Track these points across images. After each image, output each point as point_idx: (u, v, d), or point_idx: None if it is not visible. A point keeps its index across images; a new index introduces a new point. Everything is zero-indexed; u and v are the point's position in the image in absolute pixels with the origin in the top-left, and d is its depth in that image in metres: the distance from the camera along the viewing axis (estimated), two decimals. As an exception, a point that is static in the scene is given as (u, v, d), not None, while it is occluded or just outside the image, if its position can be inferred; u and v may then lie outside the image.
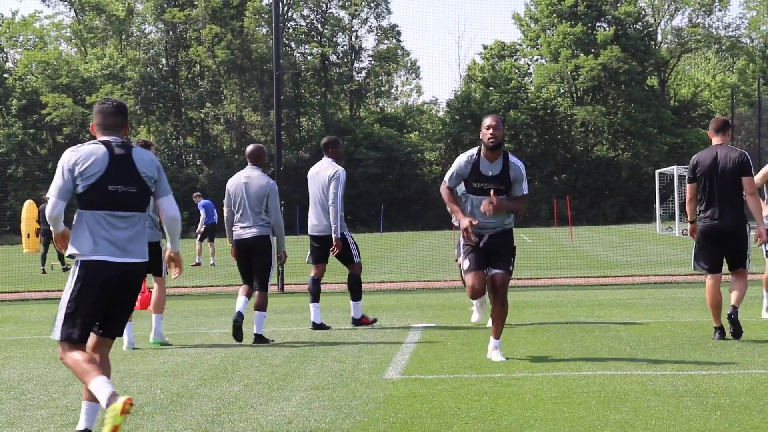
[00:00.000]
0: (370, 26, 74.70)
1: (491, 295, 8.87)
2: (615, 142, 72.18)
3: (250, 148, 10.92)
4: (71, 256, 5.88)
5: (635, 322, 11.51)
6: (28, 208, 40.18)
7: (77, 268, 5.81)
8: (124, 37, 74.94)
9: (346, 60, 74.60)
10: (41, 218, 26.37)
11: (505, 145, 9.18)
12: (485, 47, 75.45)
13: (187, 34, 71.68)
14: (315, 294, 11.55)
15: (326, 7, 74.30)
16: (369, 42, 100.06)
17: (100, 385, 5.50)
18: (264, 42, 69.34)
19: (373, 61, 74.71)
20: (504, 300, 8.73)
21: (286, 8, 71.24)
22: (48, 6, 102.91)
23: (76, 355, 5.70)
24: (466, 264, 8.69)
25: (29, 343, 10.94)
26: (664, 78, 75.25)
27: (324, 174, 11.43)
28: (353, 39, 74.41)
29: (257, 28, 70.97)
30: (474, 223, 8.49)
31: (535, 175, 66.71)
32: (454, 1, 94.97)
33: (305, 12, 74.61)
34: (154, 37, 75.52)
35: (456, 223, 10.19)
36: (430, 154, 71.49)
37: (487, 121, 8.62)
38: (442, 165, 67.05)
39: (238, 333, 10.35)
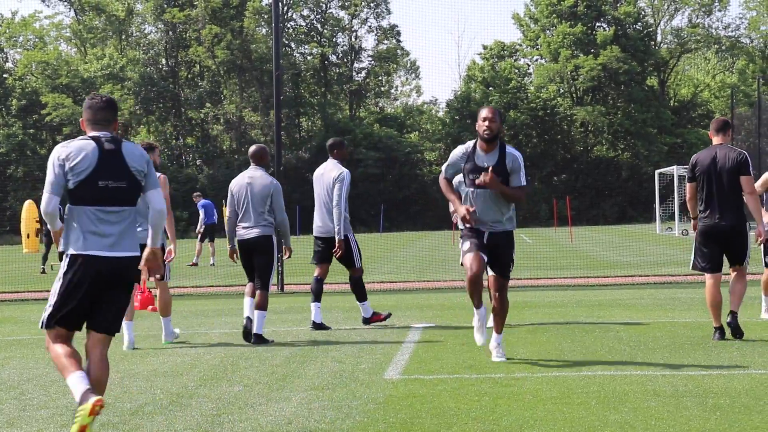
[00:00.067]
0: (369, 26, 74.80)
1: (490, 293, 8.85)
2: (615, 142, 72.21)
3: (253, 148, 10.96)
4: (63, 251, 5.92)
5: (635, 323, 11.51)
6: (28, 209, 40.22)
7: (67, 262, 5.87)
8: (123, 37, 74.95)
9: (345, 60, 74.62)
10: (42, 218, 26.39)
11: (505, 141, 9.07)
12: (485, 47, 75.50)
13: (187, 35, 71.70)
14: (317, 293, 11.56)
15: (326, 7, 74.32)
16: (369, 42, 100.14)
17: (75, 382, 5.63)
18: (264, 42, 69.35)
19: (372, 62, 74.74)
20: (504, 299, 8.71)
21: (285, 8, 71.25)
22: (48, 6, 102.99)
23: (59, 349, 5.81)
24: (466, 245, 8.46)
25: (29, 344, 10.94)
26: (663, 78, 75.27)
27: (329, 175, 11.46)
28: (353, 39, 74.44)
29: (257, 29, 70.99)
30: (471, 209, 8.36)
31: (535, 176, 66.73)
32: (454, 1, 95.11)
33: (305, 12, 74.67)
34: (154, 38, 75.55)
35: (455, 220, 10.16)
36: (429, 155, 71.51)
37: (484, 112, 8.50)
38: (442, 165, 67.10)
39: (248, 336, 10.43)
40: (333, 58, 73.89)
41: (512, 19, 75.97)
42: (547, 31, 73.49)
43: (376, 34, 74.52)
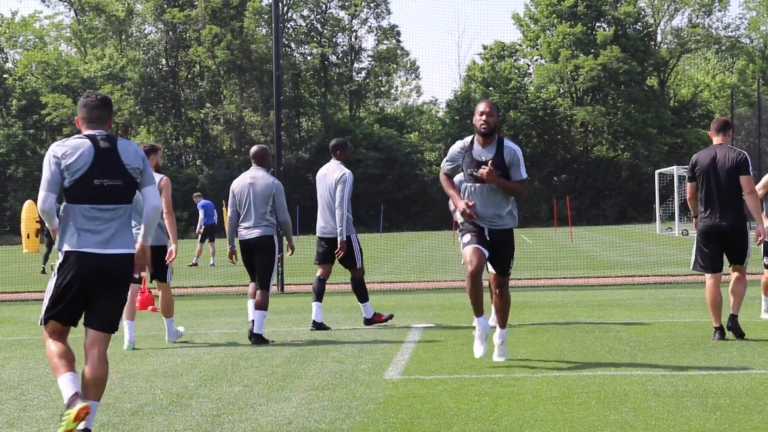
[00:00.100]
0: (369, 26, 74.81)
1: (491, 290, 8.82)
2: (615, 142, 72.22)
3: (254, 149, 11.00)
4: (59, 249, 5.95)
5: (635, 323, 11.51)
6: (28, 209, 40.24)
7: (62, 259, 5.90)
8: (123, 37, 74.95)
9: (345, 60, 74.63)
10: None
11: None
12: (485, 47, 75.51)
13: (187, 35, 71.71)
14: (319, 293, 11.57)
15: (326, 7, 74.33)
16: (369, 42, 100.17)
17: (65, 384, 5.74)
18: (264, 42, 69.36)
19: (372, 62, 74.75)
20: (504, 294, 8.66)
21: (285, 8, 71.26)
22: (48, 6, 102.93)
23: (52, 347, 5.89)
24: (466, 237, 8.36)
25: (29, 344, 10.94)
26: (663, 78, 75.28)
27: (331, 176, 11.49)
28: (353, 39, 74.45)
29: (257, 29, 71.00)
30: (470, 204, 8.27)
31: (535, 176, 66.74)
32: (454, 1, 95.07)
33: (305, 12, 74.68)
34: (154, 38, 75.56)
35: (456, 217, 10.12)
36: (429, 155, 71.52)
37: (481, 107, 8.41)
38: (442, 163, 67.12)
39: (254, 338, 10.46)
40: (333, 58, 73.91)
41: (512, 19, 76.07)
42: (547, 31, 73.51)
43: (376, 35, 74.59)
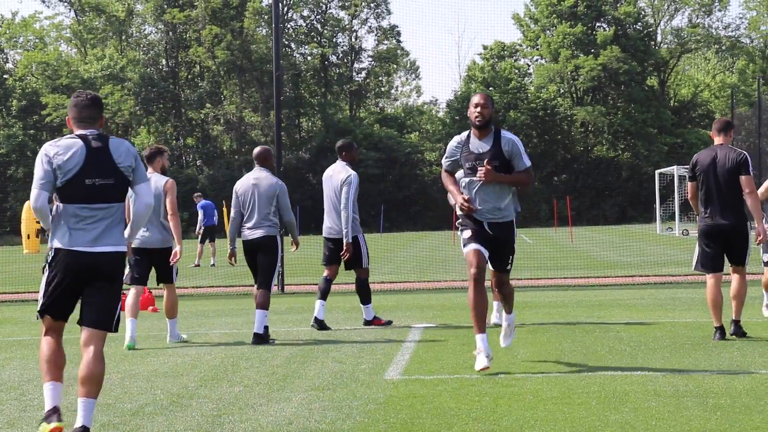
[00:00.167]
0: (369, 27, 74.82)
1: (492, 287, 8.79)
2: (615, 142, 72.22)
3: (257, 150, 11.03)
4: (49, 246, 6.02)
5: (635, 323, 11.51)
6: (28, 209, 40.22)
7: (51, 255, 5.97)
8: (124, 37, 74.97)
9: (345, 60, 74.64)
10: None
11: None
12: (485, 47, 75.52)
13: (187, 35, 71.72)
14: (324, 292, 11.59)
15: (326, 7, 74.34)
16: (369, 42, 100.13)
17: (47, 393, 5.88)
18: (264, 42, 69.37)
19: (373, 62, 74.75)
20: (506, 289, 8.60)
21: (285, 9, 71.26)
22: (48, 7, 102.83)
23: (44, 349, 5.97)
24: (466, 233, 8.22)
25: (30, 344, 10.94)
26: (663, 78, 75.28)
27: (337, 178, 11.51)
28: (353, 39, 74.46)
29: (257, 29, 71.01)
30: (467, 198, 8.14)
31: (535, 176, 66.50)
32: (454, 1, 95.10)
33: (305, 12, 74.68)
34: (154, 38, 75.58)
35: (456, 209, 10.06)
36: (430, 155, 71.52)
37: (475, 99, 8.28)
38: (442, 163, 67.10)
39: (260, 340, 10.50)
40: (333, 58, 73.91)
41: (512, 19, 76.07)
42: (547, 32, 73.51)
43: (376, 35, 74.59)
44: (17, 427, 6.51)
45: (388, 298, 15.81)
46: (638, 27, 73.44)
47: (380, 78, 75.62)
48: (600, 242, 35.45)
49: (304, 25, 74.84)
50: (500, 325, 11.32)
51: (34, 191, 5.94)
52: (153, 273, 10.84)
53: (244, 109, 70.29)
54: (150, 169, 10.67)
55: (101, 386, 5.96)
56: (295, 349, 9.96)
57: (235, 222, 10.84)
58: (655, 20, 75.66)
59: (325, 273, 11.74)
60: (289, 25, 72.98)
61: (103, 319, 5.99)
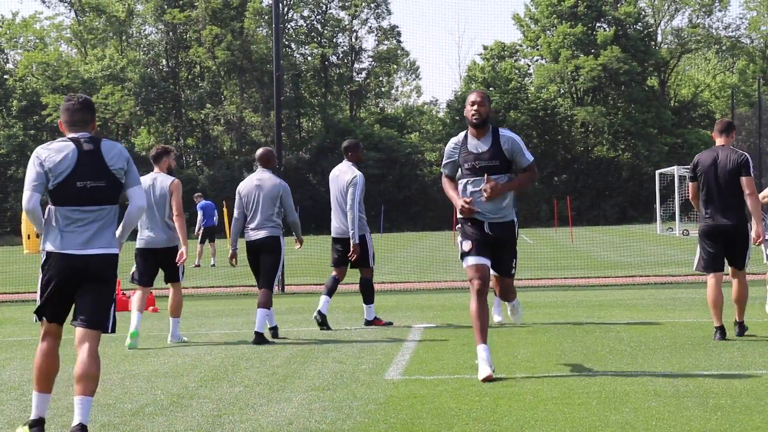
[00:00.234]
0: (370, 27, 74.85)
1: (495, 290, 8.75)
2: (615, 142, 72.22)
3: (260, 151, 11.07)
4: (42, 248, 6.06)
5: (636, 323, 11.51)
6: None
7: (44, 259, 6.01)
8: (124, 38, 74.99)
9: (346, 61, 74.66)
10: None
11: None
12: (485, 48, 75.52)
13: (188, 35, 71.74)
14: (330, 289, 11.63)
15: (326, 7, 74.35)
16: (369, 43, 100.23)
17: (34, 402, 6.05)
18: (264, 43, 69.39)
19: (373, 62, 74.77)
20: (510, 296, 8.63)
21: (286, 9, 71.27)
22: (48, 7, 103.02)
23: (39, 356, 6.05)
24: (466, 245, 8.05)
25: (30, 344, 10.93)
26: (664, 78, 75.28)
27: (343, 178, 11.55)
28: (353, 40, 74.48)
29: (257, 29, 71.03)
30: (468, 201, 7.96)
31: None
32: (454, 1, 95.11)
33: (305, 13, 74.70)
34: (155, 38, 75.61)
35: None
36: (430, 155, 71.53)
37: (471, 97, 8.11)
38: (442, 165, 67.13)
39: (264, 340, 10.51)
40: (333, 58, 73.93)
41: (512, 19, 76.07)
42: (548, 32, 73.51)
43: (376, 35, 74.61)
44: (17, 427, 6.51)
45: (389, 299, 15.81)
46: (638, 27, 73.45)
47: (380, 78, 75.64)
48: (600, 242, 35.45)
49: (305, 25, 74.88)
50: (503, 324, 11.37)
51: (26, 193, 5.98)
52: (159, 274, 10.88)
53: (244, 110, 70.31)
54: (156, 169, 10.72)
55: (97, 384, 5.97)
56: (295, 349, 9.96)
57: (237, 223, 10.86)
58: (655, 20, 75.67)
59: (334, 273, 11.77)
60: (289, 26, 73.00)
61: (97, 319, 6.02)
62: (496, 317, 11.42)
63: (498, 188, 7.95)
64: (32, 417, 6.05)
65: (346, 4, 73.12)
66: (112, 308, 6.12)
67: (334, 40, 73.90)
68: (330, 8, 74.37)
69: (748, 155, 9.89)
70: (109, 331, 6.10)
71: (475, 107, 8.05)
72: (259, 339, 10.36)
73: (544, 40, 72.76)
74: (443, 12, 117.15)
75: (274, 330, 10.90)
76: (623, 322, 11.64)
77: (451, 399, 7.00)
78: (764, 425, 5.97)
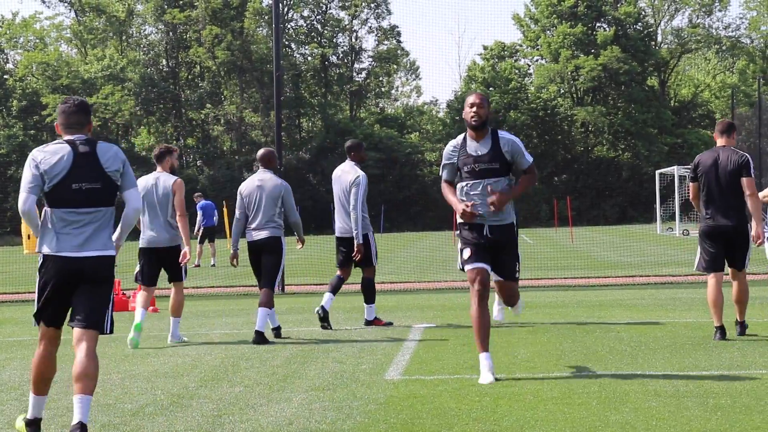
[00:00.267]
0: (370, 27, 74.85)
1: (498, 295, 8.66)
2: (615, 142, 72.22)
3: (261, 152, 11.11)
4: (38, 251, 6.08)
5: (636, 323, 11.51)
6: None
7: (40, 262, 6.04)
8: (124, 38, 74.98)
9: (346, 61, 74.66)
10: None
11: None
12: (485, 48, 75.51)
13: (188, 35, 71.74)
14: (335, 287, 11.67)
15: (326, 7, 74.35)
16: (369, 43, 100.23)
17: (30, 404, 6.16)
18: (264, 43, 69.40)
19: (373, 62, 74.77)
20: (515, 302, 8.51)
21: (286, 9, 71.27)
22: (48, 7, 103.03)
23: (36, 360, 6.14)
24: (466, 253, 7.90)
25: (30, 344, 10.93)
26: (664, 78, 75.28)
27: (345, 178, 11.57)
28: (353, 40, 74.48)
29: (257, 29, 71.03)
30: (469, 204, 7.78)
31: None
32: (454, 1, 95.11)
33: (305, 13, 74.70)
34: (155, 38, 75.60)
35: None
36: (430, 155, 71.52)
37: (470, 98, 7.93)
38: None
39: (268, 337, 10.53)
40: (333, 58, 73.93)
41: (512, 19, 76.04)
42: (548, 32, 73.51)
43: (376, 35, 74.61)
44: (17, 430, 6.51)
45: (389, 299, 15.81)
46: (638, 27, 73.44)
47: (380, 78, 75.64)
48: (600, 242, 35.45)
49: (305, 25, 74.88)
50: (502, 324, 11.37)
51: (22, 195, 6.01)
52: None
53: (244, 110, 70.31)
54: (159, 168, 10.76)
55: (96, 383, 5.98)
56: (295, 349, 9.96)
57: (239, 224, 10.88)
58: (655, 20, 75.66)
59: (338, 272, 11.79)
60: (289, 26, 72.99)
61: (94, 319, 6.04)
62: (496, 317, 11.42)
63: (505, 198, 7.83)
64: (28, 416, 6.15)
65: (346, 4, 73.12)
66: (109, 309, 6.13)
67: (334, 40, 73.91)
68: (330, 8, 74.39)
69: (749, 156, 9.91)
70: (107, 331, 6.11)
71: (474, 109, 7.88)
72: (259, 338, 10.36)
73: (544, 40, 72.75)
74: (443, 12, 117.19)
75: (277, 330, 10.91)
76: (623, 322, 11.64)
77: (451, 399, 7.00)
78: (764, 425, 5.97)
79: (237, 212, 10.91)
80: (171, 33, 72.79)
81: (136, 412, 6.90)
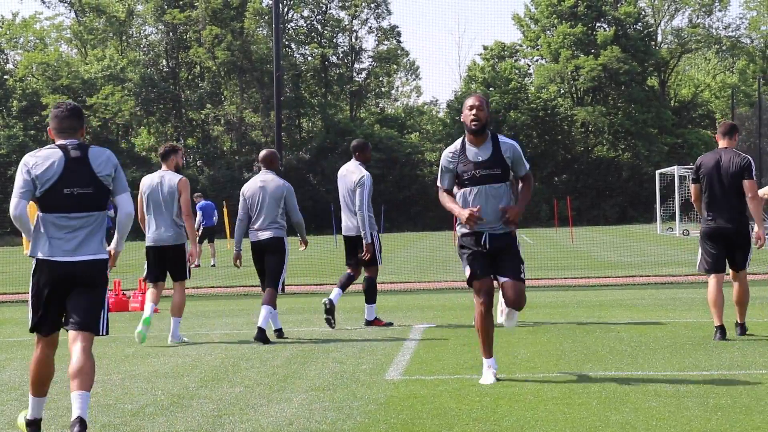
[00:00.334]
0: (370, 27, 74.88)
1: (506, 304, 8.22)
2: (615, 142, 72.23)
3: (263, 153, 11.16)
4: (31, 255, 6.08)
5: (636, 323, 11.51)
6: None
7: (34, 267, 6.05)
8: (124, 38, 74.98)
9: (346, 61, 74.67)
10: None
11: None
12: (485, 48, 75.53)
13: (188, 36, 71.74)
14: (344, 284, 11.70)
15: (326, 7, 74.35)
16: (369, 43, 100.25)
17: (31, 404, 6.22)
18: (264, 43, 69.41)
19: (373, 62, 74.78)
20: (521, 305, 7.92)
21: (286, 9, 71.28)
22: (48, 7, 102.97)
23: (34, 364, 6.18)
24: (468, 270, 7.68)
25: (30, 345, 10.91)
26: (664, 78, 75.28)
27: (351, 177, 11.60)
28: (353, 40, 74.49)
29: (257, 29, 71.04)
30: (475, 210, 7.49)
31: (535, 176, 66.33)
32: (455, 1, 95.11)
33: (305, 13, 74.71)
34: (155, 39, 75.60)
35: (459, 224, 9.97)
36: (430, 155, 71.52)
37: (470, 101, 7.63)
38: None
39: (266, 338, 10.52)
40: (333, 58, 73.94)
41: (512, 19, 76.07)
42: (548, 32, 73.52)
43: (376, 35, 74.62)
44: (17, 427, 6.51)
45: (389, 299, 15.81)
46: (638, 27, 73.45)
47: (380, 78, 75.64)
48: (600, 242, 35.45)
49: (305, 25, 74.89)
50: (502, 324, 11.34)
51: (14, 200, 6.03)
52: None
53: (244, 110, 70.31)
54: (164, 167, 10.81)
55: (93, 379, 5.98)
56: (295, 349, 9.96)
57: (242, 224, 10.92)
58: (655, 20, 75.67)
59: (348, 270, 11.80)
60: (289, 26, 73.00)
61: (89, 321, 6.05)
62: (499, 318, 11.37)
63: (517, 212, 7.63)
64: (29, 417, 6.20)
65: (346, 4, 73.13)
66: (103, 311, 6.15)
67: (334, 40, 73.92)
68: (330, 8, 74.40)
69: (750, 158, 9.94)
70: (102, 333, 6.13)
71: (474, 112, 7.58)
72: (261, 335, 10.37)
73: (544, 40, 72.76)
74: (443, 12, 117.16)
75: (279, 332, 10.91)
76: (623, 322, 11.64)
77: (451, 399, 7.00)
78: (764, 425, 5.97)
79: (240, 213, 10.94)
80: (171, 33, 72.79)
81: (136, 412, 6.90)
